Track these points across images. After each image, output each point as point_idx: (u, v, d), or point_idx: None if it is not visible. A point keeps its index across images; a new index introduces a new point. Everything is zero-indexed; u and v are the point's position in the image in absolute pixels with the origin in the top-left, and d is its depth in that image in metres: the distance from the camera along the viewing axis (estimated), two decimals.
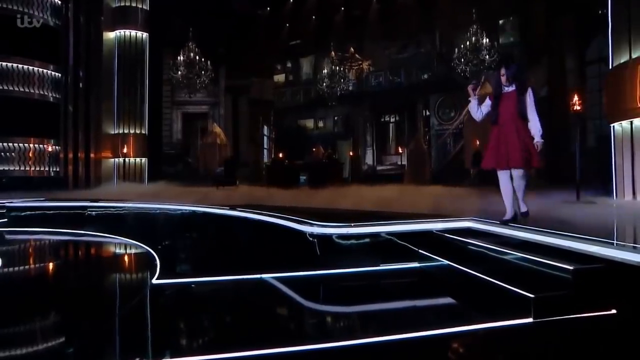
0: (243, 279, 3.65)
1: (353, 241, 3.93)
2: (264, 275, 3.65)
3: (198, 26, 18.14)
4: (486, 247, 3.34)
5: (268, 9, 22.02)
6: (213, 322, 2.85)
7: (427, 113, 19.69)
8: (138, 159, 17.34)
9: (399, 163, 19.39)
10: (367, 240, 3.94)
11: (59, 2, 18.47)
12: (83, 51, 18.56)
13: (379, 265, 3.79)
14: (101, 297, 3.55)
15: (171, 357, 2.08)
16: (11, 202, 9.63)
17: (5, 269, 4.04)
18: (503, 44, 17.41)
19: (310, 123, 24.34)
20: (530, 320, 2.32)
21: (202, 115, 21.34)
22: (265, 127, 22.26)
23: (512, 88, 3.77)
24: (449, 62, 16.19)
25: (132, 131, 17.48)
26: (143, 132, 17.81)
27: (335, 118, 23.48)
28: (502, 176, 3.83)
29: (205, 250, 5.66)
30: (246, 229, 6.05)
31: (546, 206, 5.00)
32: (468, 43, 14.74)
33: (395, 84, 20.68)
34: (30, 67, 17.62)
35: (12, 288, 3.69)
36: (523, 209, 3.94)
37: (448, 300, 3.08)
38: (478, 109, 3.96)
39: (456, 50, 15.09)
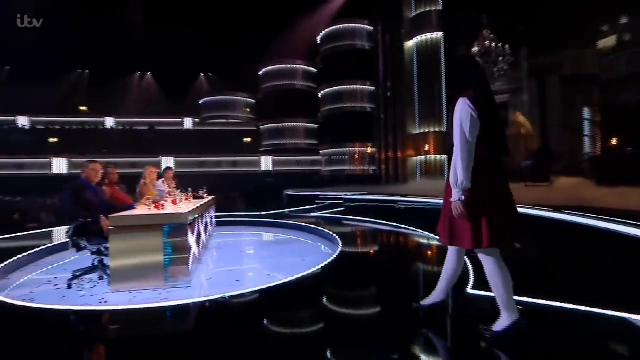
0: (599, 313, 2.75)
1: None
2: (632, 317, 2.63)
3: (492, 10, 16.85)
4: None
5: None
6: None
7: None
8: (438, 156, 18.12)
9: None
10: None
11: (371, 28, 21.97)
12: (389, 64, 21.19)
13: None
14: (409, 288, 3.59)
15: None
16: (346, 195, 12.36)
17: (344, 248, 4.95)
18: None
19: None
20: None
21: (502, 105, 19.76)
22: (586, 109, 18.02)
23: None
24: None
25: (431, 130, 18.40)
26: (441, 129, 18.39)
27: None
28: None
29: (530, 260, 4.88)
30: (583, 238, 4.79)
31: None
32: None
33: None
34: (355, 86, 22.38)
35: (348, 264, 4.47)
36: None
37: None
38: None
39: None
